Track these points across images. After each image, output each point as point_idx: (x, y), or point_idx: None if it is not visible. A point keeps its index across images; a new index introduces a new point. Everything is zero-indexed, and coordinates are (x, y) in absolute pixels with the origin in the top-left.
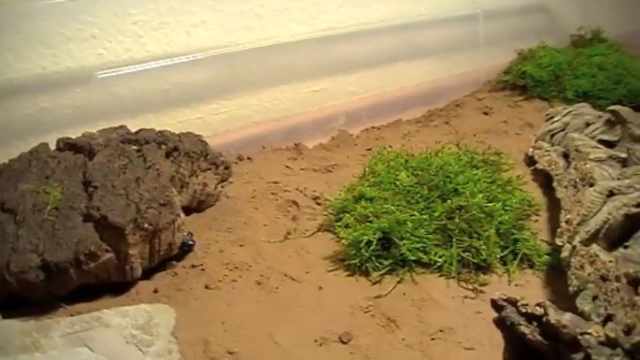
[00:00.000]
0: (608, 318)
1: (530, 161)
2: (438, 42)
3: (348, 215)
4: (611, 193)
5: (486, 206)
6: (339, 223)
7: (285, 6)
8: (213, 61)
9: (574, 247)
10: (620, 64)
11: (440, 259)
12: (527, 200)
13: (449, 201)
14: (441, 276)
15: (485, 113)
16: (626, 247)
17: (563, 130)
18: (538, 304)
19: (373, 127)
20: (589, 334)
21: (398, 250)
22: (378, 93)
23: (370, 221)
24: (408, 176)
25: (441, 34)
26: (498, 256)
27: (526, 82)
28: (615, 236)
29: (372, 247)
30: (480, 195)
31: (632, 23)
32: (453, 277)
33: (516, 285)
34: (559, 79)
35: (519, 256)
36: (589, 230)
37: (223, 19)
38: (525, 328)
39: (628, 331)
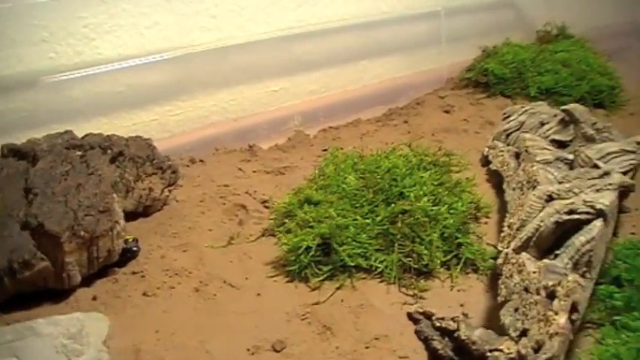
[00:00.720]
0: (524, 333)
1: (486, 161)
2: (401, 40)
3: (289, 220)
4: (550, 198)
5: (431, 210)
6: (281, 228)
7: (241, 6)
8: (168, 62)
9: (506, 254)
10: (584, 61)
11: (380, 265)
12: (475, 203)
13: (393, 205)
14: (381, 282)
15: (447, 111)
16: (556, 256)
17: (518, 129)
18: (452, 319)
19: (331, 127)
20: (499, 350)
21: (338, 256)
22: (338, 92)
23: (311, 226)
24: (357, 179)
25: (404, 32)
26: (440, 261)
27: (488, 79)
28: (546, 244)
29: (311, 253)
30: (425, 198)
31: (598, 19)
32: (394, 283)
33: (459, 290)
34: (522, 76)
35: (462, 260)
36: (522, 237)
37: (177, 20)
38: (438, 343)
39: (538, 348)
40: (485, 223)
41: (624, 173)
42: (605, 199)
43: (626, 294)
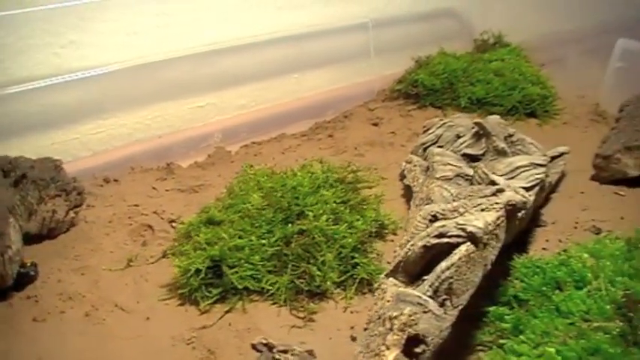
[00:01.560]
0: None
1: (403, 176)
2: (332, 52)
3: (186, 242)
4: (434, 218)
5: (329, 229)
6: (179, 249)
7: (164, 23)
8: (88, 80)
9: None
10: (517, 70)
11: (271, 287)
12: (379, 220)
13: (290, 225)
14: (273, 304)
15: (375, 124)
16: (423, 281)
17: (435, 142)
18: (292, 351)
19: (254, 143)
20: None
21: (229, 279)
22: (265, 107)
23: (203, 249)
24: (261, 198)
25: (335, 45)
26: (334, 282)
27: (418, 90)
28: (415, 269)
29: (200, 276)
30: (324, 217)
31: (537, 28)
32: (286, 306)
33: (352, 312)
34: (453, 87)
35: (357, 280)
36: (394, 261)
37: (94, 38)
38: None
39: None
40: (392, 240)
41: (529, 188)
42: (480, 222)
43: (514, 316)
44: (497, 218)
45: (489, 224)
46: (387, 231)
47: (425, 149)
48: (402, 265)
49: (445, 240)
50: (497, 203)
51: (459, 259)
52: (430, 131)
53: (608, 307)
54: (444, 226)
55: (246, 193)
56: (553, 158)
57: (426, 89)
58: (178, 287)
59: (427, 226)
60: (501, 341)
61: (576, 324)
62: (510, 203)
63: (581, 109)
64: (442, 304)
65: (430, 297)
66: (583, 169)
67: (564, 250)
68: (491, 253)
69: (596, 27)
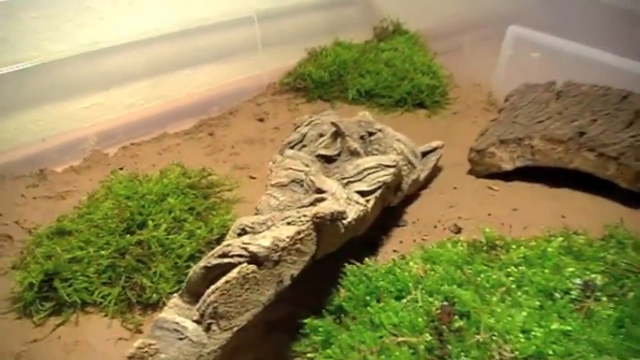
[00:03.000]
0: None
1: None
2: (222, 47)
3: (30, 254)
4: (243, 231)
5: (166, 239)
6: (26, 261)
7: (33, 25)
8: None
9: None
10: (408, 59)
11: (104, 300)
12: (226, 227)
13: (128, 235)
14: (105, 316)
15: (261, 119)
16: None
17: (301, 141)
18: None
19: (133, 144)
20: None
21: (64, 291)
22: (152, 105)
23: (40, 262)
24: (112, 205)
25: (226, 39)
26: (167, 293)
27: (307, 84)
28: (198, 290)
29: (34, 290)
30: (164, 227)
31: (437, 16)
32: (117, 318)
33: None
34: (342, 79)
35: None
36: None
37: None
38: None
39: None
40: None
41: (370, 192)
42: (267, 240)
43: (325, 329)
44: (298, 233)
45: (282, 241)
46: None
47: (291, 148)
48: (185, 286)
49: (226, 260)
50: (304, 216)
51: (227, 282)
52: (297, 130)
53: (420, 319)
54: (228, 245)
55: (102, 200)
56: (425, 154)
57: (314, 82)
58: (16, 301)
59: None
60: (310, 355)
61: (384, 338)
62: (318, 216)
63: (475, 97)
64: (208, 329)
65: (197, 321)
66: (462, 163)
67: (402, 257)
68: (291, 268)
69: (493, 14)
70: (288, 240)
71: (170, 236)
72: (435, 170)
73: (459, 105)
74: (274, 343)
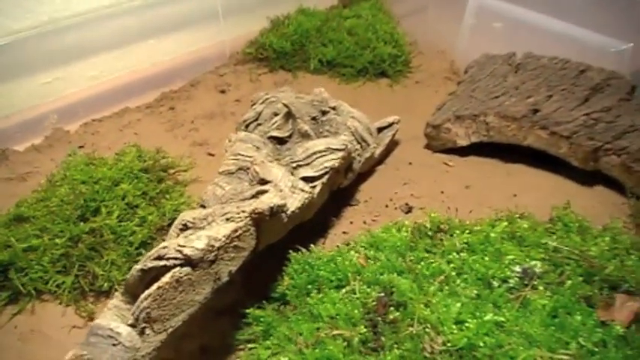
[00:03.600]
0: None
1: None
2: (184, 16)
3: None
4: (185, 227)
5: (119, 226)
6: None
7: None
8: None
9: None
10: (371, 27)
11: (58, 289)
12: (179, 210)
13: (82, 223)
14: (60, 304)
15: (222, 91)
16: None
17: (256, 120)
18: None
19: (94, 120)
20: None
21: (19, 281)
22: (115, 77)
23: None
24: (69, 190)
25: (188, 7)
26: (118, 281)
27: (268, 54)
28: (136, 291)
29: None
30: (116, 214)
31: None
32: (71, 306)
33: None
34: (304, 48)
35: None
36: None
37: None
38: None
39: None
40: None
41: (317, 177)
42: (201, 242)
43: (266, 319)
44: (235, 230)
45: (218, 240)
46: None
47: (247, 126)
48: (124, 287)
49: (162, 263)
50: (243, 212)
51: (159, 287)
52: (254, 107)
53: (357, 311)
54: (164, 247)
55: (59, 184)
56: (381, 129)
57: (276, 53)
58: None
59: (178, 235)
60: (250, 345)
61: (321, 330)
62: (257, 212)
63: (438, 65)
64: (142, 332)
65: (132, 325)
66: (420, 136)
67: (347, 244)
68: (229, 265)
69: None
70: (224, 239)
71: (122, 223)
72: (392, 145)
73: (422, 74)
74: (221, 331)
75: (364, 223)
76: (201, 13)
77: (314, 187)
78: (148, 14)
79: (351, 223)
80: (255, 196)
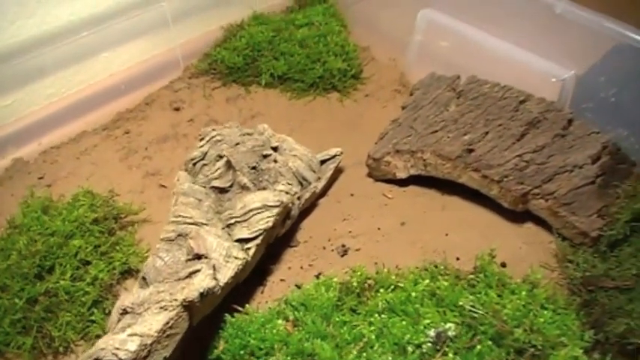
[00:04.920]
0: None
1: None
2: (134, 26)
3: None
4: (125, 312)
5: (72, 286)
6: None
7: None
8: None
9: None
10: (322, 39)
11: (19, 350)
12: (127, 264)
13: (38, 283)
14: None
15: (177, 108)
16: None
17: (202, 159)
18: None
19: (52, 148)
20: None
21: None
22: (71, 93)
23: None
24: (26, 242)
25: (139, 18)
26: (70, 342)
27: (221, 69)
28: None
29: None
30: (69, 273)
31: None
32: None
33: None
34: (256, 63)
35: (93, 337)
36: None
37: None
38: None
39: None
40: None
41: (252, 238)
42: (134, 343)
43: None
44: (167, 322)
45: (151, 337)
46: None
47: (194, 164)
48: None
49: None
50: (175, 300)
51: None
52: (200, 144)
53: None
54: (102, 349)
55: (17, 233)
56: (324, 161)
57: (228, 68)
58: None
59: (119, 320)
60: None
61: None
62: (188, 300)
63: (389, 76)
64: None
65: None
66: (364, 161)
67: (278, 304)
68: (162, 352)
69: None
70: (156, 335)
71: (75, 283)
72: (336, 172)
73: (372, 85)
74: None
75: (301, 268)
76: (152, 21)
77: (249, 249)
78: (101, 26)
79: (289, 268)
80: (189, 275)
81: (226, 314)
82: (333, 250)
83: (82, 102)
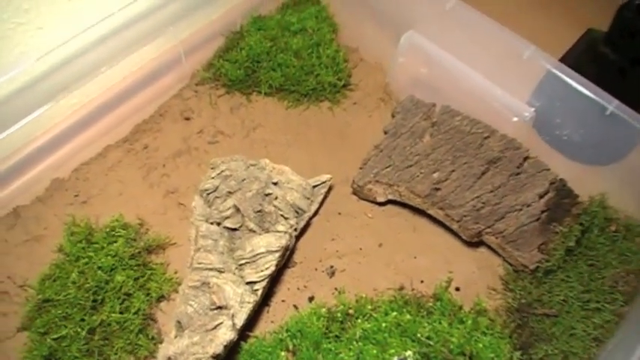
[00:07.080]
0: None
1: None
2: (141, 29)
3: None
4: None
5: (121, 317)
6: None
7: None
8: None
9: None
10: (315, 50)
11: None
12: (161, 293)
13: (94, 313)
14: None
15: (187, 118)
16: None
17: (214, 191)
18: None
19: (82, 164)
20: None
21: None
22: (90, 99)
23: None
24: (79, 273)
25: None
26: None
27: (224, 81)
28: None
29: None
30: (118, 307)
31: None
32: None
33: None
34: (256, 74)
35: None
36: None
37: None
38: None
39: None
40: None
41: (259, 281)
42: None
43: None
44: None
45: None
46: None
47: (208, 194)
48: None
49: None
50: (206, 353)
51: None
52: (211, 176)
53: None
54: None
55: (68, 262)
56: (316, 186)
57: (230, 80)
58: None
59: None
60: None
61: None
62: (215, 354)
63: (375, 82)
64: None
65: None
66: (350, 178)
67: (277, 332)
68: None
69: None
70: None
71: (123, 315)
72: (327, 192)
73: (359, 93)
74: None
75: (297, 289)
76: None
77: (257, 290)
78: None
79: (288, 289)
80: (215, 327)
81: (242, 342)
82: (323, 272)
83: (99, 112)
